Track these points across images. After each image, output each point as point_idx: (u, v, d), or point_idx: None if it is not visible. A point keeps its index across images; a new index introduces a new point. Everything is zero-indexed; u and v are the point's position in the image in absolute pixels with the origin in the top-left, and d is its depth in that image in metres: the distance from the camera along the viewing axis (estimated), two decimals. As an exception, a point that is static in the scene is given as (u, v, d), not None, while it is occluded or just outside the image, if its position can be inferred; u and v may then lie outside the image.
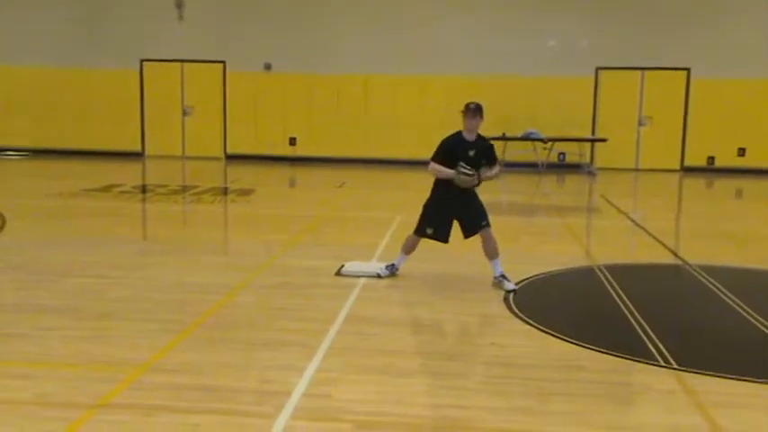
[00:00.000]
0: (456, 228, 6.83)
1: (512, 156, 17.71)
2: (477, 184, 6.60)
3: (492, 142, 6.81)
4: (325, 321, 5.60)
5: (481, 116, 6.60)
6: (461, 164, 6.54)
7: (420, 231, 6.90)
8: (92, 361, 4.73)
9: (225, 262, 7.75)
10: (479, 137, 6.70)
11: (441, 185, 6.76)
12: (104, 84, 19.28)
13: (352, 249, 8.27)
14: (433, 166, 6.71)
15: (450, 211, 6.73)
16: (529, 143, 17.55)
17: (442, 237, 6.84)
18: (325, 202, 12.73)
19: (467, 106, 6.61)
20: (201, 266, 7.46)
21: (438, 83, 18.48)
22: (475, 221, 6.72)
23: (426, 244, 7.03)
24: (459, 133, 6.69)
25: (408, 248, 7.06)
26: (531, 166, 17.65)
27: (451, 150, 6.63)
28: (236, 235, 9.94)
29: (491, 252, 6.73)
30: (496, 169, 6.73)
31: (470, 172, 6.53)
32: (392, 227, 9.84)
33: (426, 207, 6.91)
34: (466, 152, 6.61)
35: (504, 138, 17.45)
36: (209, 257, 7.94)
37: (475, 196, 6.79)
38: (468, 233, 6.84)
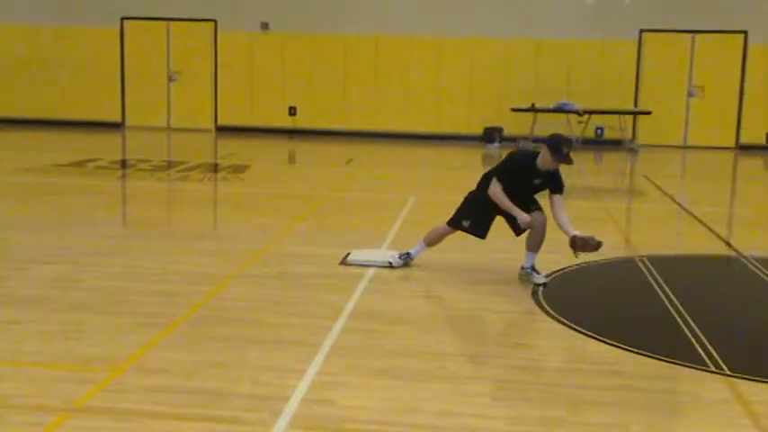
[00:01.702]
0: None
1: (542, 130, 17.61)
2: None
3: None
4: (328, 317, 5.61)
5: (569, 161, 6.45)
6: (577, 235, 6.36)
7: (455, 222, 6.87)
8: (65, 359, 4.75)
9: (215, 248, 7.77)
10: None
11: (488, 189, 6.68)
12: (79, 44, 19.29)
13: (359, 235, 8.27)
14: (498, 193, 6.54)
15: (494, 209, 6.70)
16: (562, 116, 17.47)
17: (480, 231, 6.81)
18: (329, 180, 12.72)
19: (561, 147, 6.38)
20: (188, 253, 7.48)
21: (458, 46, 18.38)
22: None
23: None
24: (534, 160, 6.53)
25: (432, 240, 7.03)
26: (564, 142, 17.55)
27: (518, 175, 6.56)
28: (227, 218, 9.96)
29: (536, 243, 6.64)
30: (563, 208, 6.55)
31: (592, 239, 6.36)
32: (406, 209, 9.82)
33: (470, 198, 6.87)
34: (531, 180, 6.56)
35: (533, 109, 17.38)
36: (198, 243, 7.96)
37: (535, 200, 6.76)
38: (519, 230, 6.76)
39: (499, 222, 6.86)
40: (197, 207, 10.41)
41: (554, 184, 6.59)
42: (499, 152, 16.26)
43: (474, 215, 6.79)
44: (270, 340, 5.16)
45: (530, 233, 6.69)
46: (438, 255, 7.22)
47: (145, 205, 10.43)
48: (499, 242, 7.24)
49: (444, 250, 7.25)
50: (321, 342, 5.10)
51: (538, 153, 6.56)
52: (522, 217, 6.54)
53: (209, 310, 5.79)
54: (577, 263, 7.05)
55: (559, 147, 6.42)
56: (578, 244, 6.41)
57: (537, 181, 6.58)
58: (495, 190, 6.58)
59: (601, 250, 6.48)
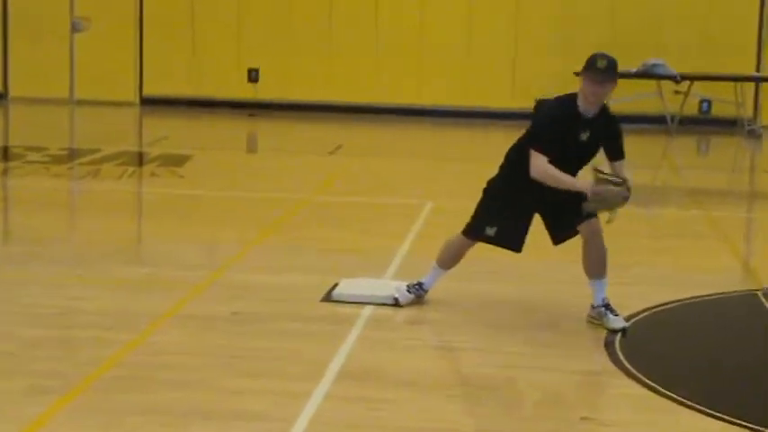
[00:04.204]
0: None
1: (623, 105, 17.61)
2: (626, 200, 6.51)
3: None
4: (306, 378, 5.61)
5: (615, 80, 6.53)
6: (599, 169, 6.43)
7: (474, 231, 6.86)
8: None
9: (139, 277, 7.77)
10: (603, 110, 6.63)
11: (521, 166, 6.64)
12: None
13: (351, 257, 8.30)
14: (545, 167, 6.50)
15: (531, 202, 6.69)
16: (651, 82, 17.48)
17: (512, 241, 6.82)
18: (307, 177, 12.72)
19: (593, 61, 6.49)
20: (99, 283, 7.49)
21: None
22: (571, 216, 6.63)
23: (472, 250, 7.03)
24: (572, 101, 6.59)
25: (448, 259, 7.03)
26: (654, 122, 17.57)
27: (558, 131, 6.57)
28: (158, 232, 9.94)
29: (596, 264, 6.65)
30: (626, 171, 6.62)
31: (618, 180, 6.42)
32: (419, 220, 9.83)
33: (489, 192, 6.87)
34: (577, 135, 6.57)
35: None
36: (113, 269, 7.97)
37: None
38: (559, 235, 6.81)
39: (544, 232, 6.84)
40: (113, 216, 10.37)
41: (609, 142, 6.65)
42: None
43: (501, 218, 6.78)
44: (220, 413, 5.14)
45: (583, 250, 6.69)
46: (461, 286, 7.21)
47: (36, 213, 10.40)
48: (552, 264, 7.21)
49: (469, 279, 7.25)
50: (295, 416, 5.08)
51: (575, 94, 6.61)
52: (584, 185, 6.47)
53: (130, 368, 5.78)
54: (671, 300, 7.03)
55: (593, 60, 6.47)
56: (591, 192, 6.41)
57: (584, 136, 6.57)
58: (541, 166, 6.52)
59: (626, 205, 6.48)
